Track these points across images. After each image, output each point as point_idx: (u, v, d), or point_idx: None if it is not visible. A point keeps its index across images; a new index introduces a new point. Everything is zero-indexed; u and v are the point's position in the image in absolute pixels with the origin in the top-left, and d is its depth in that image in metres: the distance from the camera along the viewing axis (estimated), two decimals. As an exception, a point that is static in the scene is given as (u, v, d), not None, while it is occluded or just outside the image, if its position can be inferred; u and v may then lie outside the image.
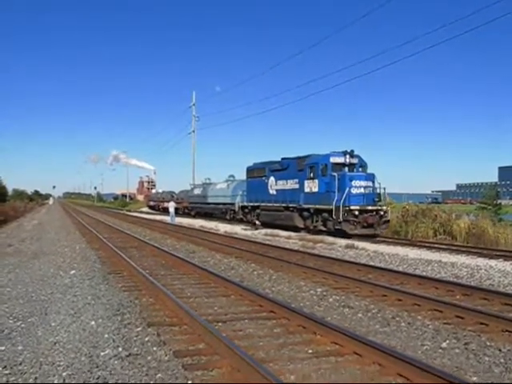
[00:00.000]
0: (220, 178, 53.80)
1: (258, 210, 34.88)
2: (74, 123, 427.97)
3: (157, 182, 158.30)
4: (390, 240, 24.55)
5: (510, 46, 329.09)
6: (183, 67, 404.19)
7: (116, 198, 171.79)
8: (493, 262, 16.19)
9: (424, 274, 13.95)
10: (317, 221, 27.46)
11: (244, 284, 11.65)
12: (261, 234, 28.77)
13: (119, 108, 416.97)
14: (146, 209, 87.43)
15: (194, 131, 67.43)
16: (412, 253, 18.73)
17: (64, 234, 28.00)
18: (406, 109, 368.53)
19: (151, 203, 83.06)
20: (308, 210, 28.13)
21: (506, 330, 7.79)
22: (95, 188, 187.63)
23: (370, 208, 25.32)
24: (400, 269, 14.83)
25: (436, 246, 21.71)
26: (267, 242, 22.89)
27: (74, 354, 6.64)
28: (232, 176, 48.07)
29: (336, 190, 25.34)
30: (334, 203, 25.13)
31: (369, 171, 27.50)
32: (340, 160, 27.09)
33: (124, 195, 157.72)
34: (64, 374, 5.96)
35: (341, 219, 24.61)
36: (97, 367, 6.15)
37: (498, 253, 19.02)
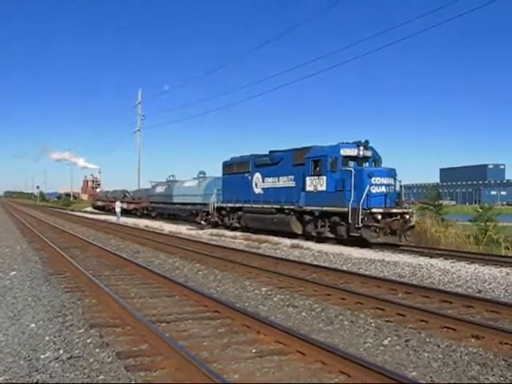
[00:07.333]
0: (183, 177, 48.67)
1: (239, 212, 29.63)
2: (15, 120, 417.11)
3: (101, 181, 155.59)
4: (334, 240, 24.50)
5: (453, 44, 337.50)
6: (131, 64, 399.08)
7: (59, 197, 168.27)
8: (434, 261, 16.61)
9: (367, 273, 14.19)
10: (322, 226, 22.87)
11: (188, 284, 11.60)
12: (206, 234, 28.68)
13: (63, 105, 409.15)
14: (90, 208, 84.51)
15: (139, 130, 66.91)
16: (356, 252, 19.00)
17: (4, 234, 27.21)
18: (352, 110, 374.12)
19: (99, 203, 76.12)
20: (311, 212, 23.31)
21: (445, 327, 8.00)
22: (38, 187, 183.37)
23: (394, 211, 21.25)
24: (344, 268, 15.05)
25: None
26: (212, 242, 22.89)
27: (12, 358, 6.46)
28: (203, 173, 42.54)
29: (352, 189, 21.02)
30: (349, 204, 20.79)
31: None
32: (352, 152, 22.92)
33: (68, 194, 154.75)
34: (0, 378, 5.79)
35: (359, 224, 20.31)
36: (36, 371, 6.00)
37: (438, 252, 19.49)
